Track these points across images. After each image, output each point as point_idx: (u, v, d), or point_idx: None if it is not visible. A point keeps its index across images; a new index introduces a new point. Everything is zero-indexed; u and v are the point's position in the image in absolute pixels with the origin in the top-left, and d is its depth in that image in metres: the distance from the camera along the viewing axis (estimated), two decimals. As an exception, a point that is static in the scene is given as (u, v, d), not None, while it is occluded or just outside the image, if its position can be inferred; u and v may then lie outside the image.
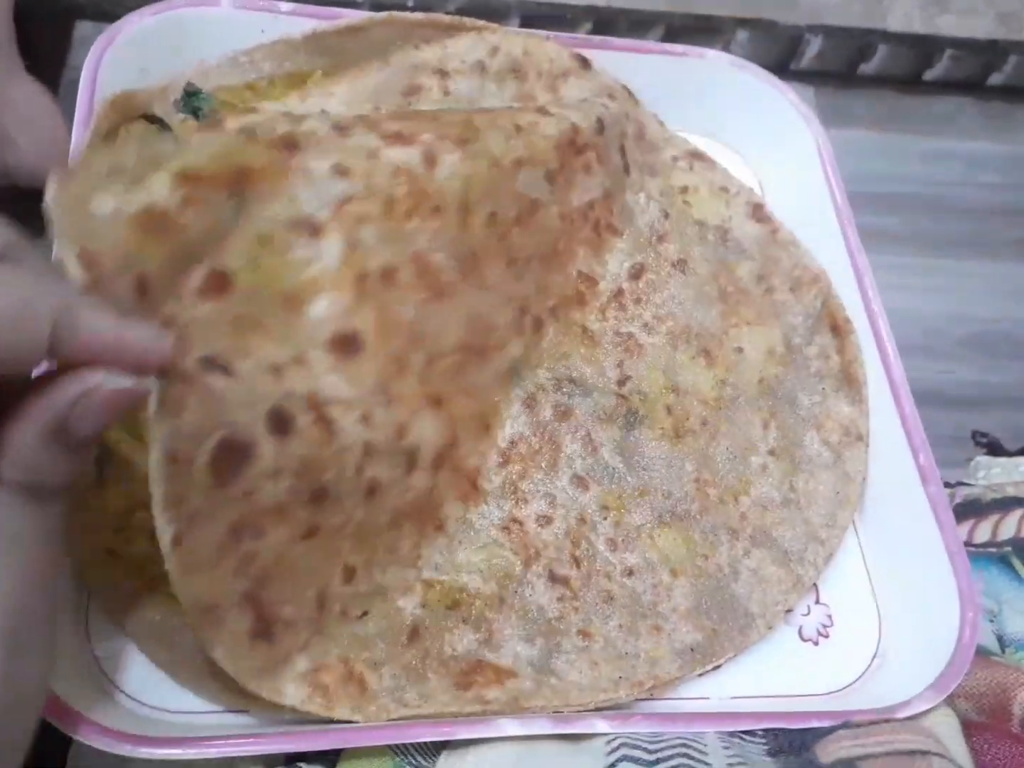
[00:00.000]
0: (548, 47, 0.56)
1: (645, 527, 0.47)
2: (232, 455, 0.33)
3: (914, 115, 0.81)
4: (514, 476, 0.46)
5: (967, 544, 0.49)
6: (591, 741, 0.39)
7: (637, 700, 0.43)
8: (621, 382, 0.50)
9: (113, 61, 0.50)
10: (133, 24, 0.52)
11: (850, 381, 0.52)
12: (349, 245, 0.38)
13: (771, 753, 0.40)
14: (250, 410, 0.34)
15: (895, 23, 0.76)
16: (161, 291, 0.32)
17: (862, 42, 0.77)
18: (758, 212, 0.57)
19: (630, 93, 0.58)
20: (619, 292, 0.53)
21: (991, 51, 0.79)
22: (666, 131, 0.59)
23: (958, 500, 0.53)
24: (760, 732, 0.41)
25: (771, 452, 0.50)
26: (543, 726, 0.39)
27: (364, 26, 0.53)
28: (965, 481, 0.56)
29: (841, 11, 0.75)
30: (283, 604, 0.37)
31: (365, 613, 0.41)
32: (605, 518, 0.46)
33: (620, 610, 0.44)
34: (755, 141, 0.61)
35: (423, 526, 0.43)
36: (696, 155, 0.59)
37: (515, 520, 0.45)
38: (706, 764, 0.38)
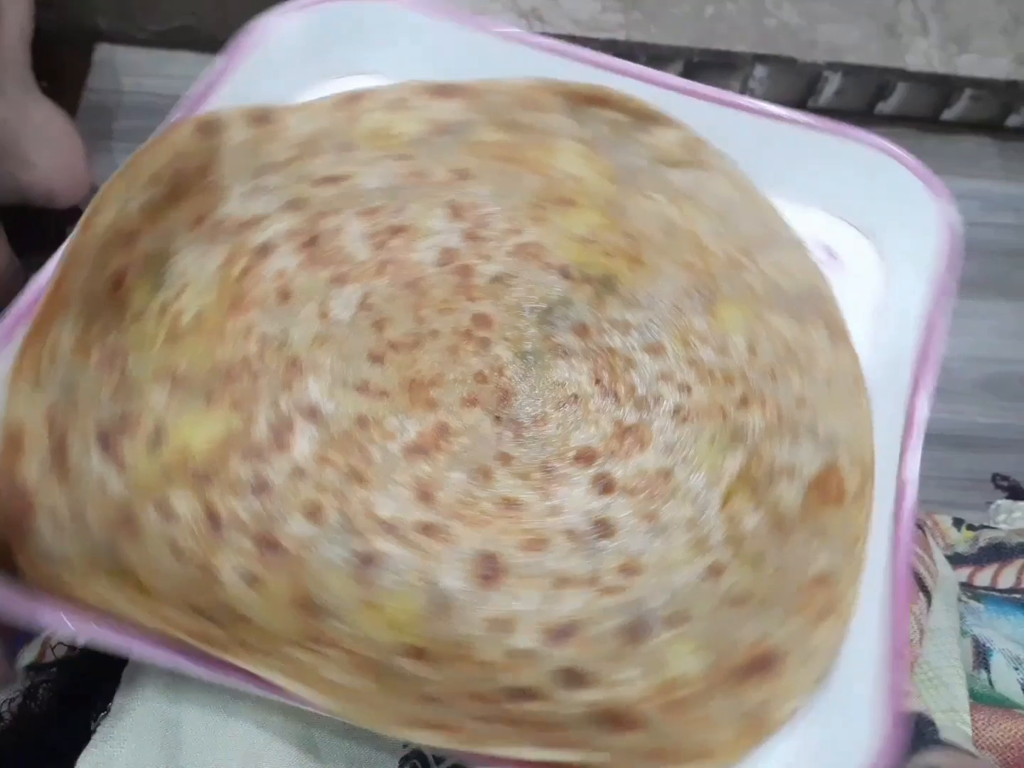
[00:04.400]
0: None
1: None
2: None
3: (932, 154, 0.81)
4: None
5: (991, 589, 0.48)
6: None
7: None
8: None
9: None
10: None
11: None
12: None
13: None
14: None
15: (914, 62, 0.76)
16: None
17: (880, 81, 0.76)
18: None
19: None
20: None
21: (1011, 92, 0.79)
22: None
23: (982, 544, 0.52)
24: None
25: None
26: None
27: None
28: (988, 524, 0.55)
29: (859, 49, 0.75)
30: None
31: None
32: None
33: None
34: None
35: None
36: None
37: None
38: None
